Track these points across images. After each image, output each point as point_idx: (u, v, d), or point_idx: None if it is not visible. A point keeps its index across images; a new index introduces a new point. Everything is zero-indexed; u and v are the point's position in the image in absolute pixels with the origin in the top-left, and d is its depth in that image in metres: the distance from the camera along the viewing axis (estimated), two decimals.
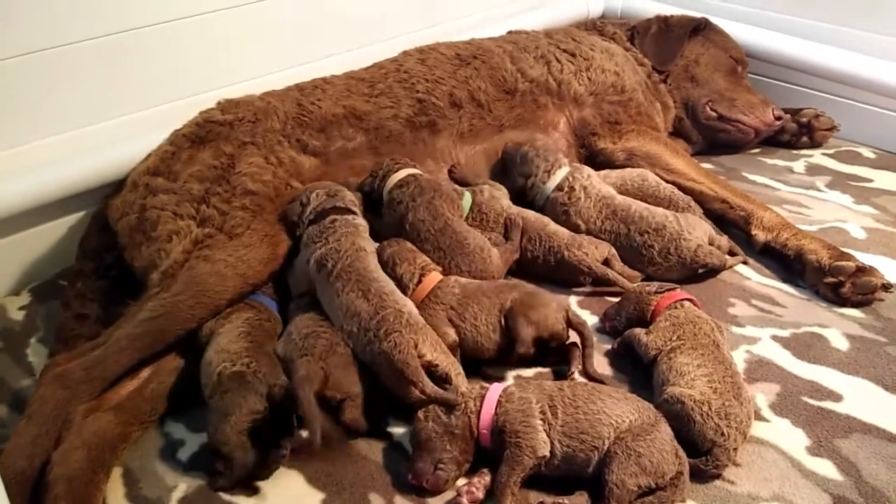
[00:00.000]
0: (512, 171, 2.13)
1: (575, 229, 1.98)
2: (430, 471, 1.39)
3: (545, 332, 1.61)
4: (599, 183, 2.07)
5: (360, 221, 1.79)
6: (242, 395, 1.44)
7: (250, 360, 1.51)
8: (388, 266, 1.71)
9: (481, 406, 1.43)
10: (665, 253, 1.90)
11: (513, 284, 1.73)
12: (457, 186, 2.03)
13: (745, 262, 2.01)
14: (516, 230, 1.92)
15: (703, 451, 1.40)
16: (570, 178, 2.05)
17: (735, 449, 1.41)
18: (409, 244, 1.80)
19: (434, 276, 1.71)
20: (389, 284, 1.63)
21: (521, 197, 2.10)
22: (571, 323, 1.65)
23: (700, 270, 1.92)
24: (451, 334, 1.62)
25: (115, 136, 2.11)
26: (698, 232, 1.92)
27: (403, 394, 1.49)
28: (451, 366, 1.52)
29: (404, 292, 1.66)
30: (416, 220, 1.84)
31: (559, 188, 2.04)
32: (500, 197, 2.03)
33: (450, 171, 2.14)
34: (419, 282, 1.70)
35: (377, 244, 1.78)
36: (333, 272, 1.63)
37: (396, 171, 1.94)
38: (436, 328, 1.59)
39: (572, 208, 2.01)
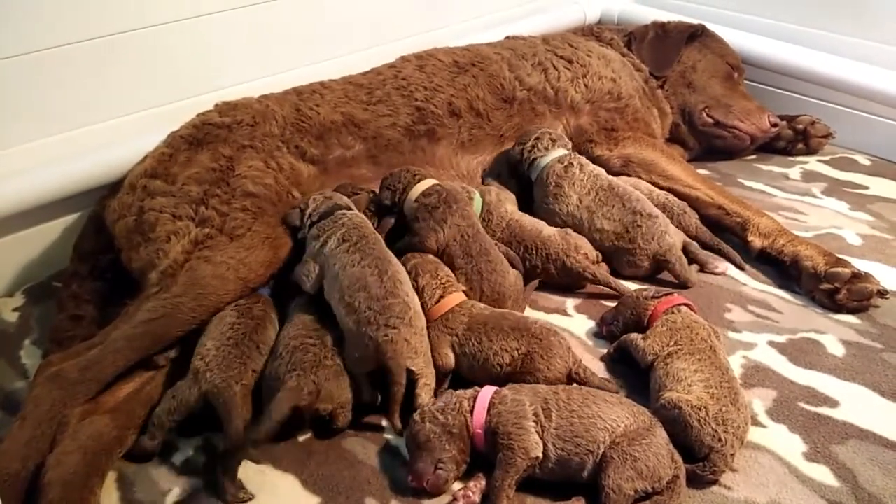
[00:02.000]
0: (514, 145, 2.16)
1: (565, 200, 2.01)
2: (430, 471, 1.38)
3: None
4: (594, 167, 2.10)
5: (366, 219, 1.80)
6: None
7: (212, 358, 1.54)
8: (410, 276, 1.69)
9: (474, 406, 1.43)
10: (649, 237, 1.92)
11: (523, 329, 1.60)
12: (467, 186, 2.02)
13: (741, 268, 2.02)
14: (517, 261, 1.92)
15: (700, 457, 1.40)
16: (570, 156, 2.08)
17: (732, 454, 1.41)
18: (431, 257, 1.79)
19: (455, 297, 1.69)
20: (405, 274, 1.64)
21: (514, 171, 2.17)
22: (576, 379, 1.58)
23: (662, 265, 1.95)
24: (450, 359, 1.61)
25: (111, 138, 2.10)
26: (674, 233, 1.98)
27: (362, 371, 1.51)
28: (428, 377, 1.53)
29: (423, 305, 1.66)
30: (453, 224, 1.83)
31: (559, 161, 2.06)
32: (504, 200, 2.04)
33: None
34: (439, 300, 1.69)
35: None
36: (357, 245, 1.64)
37: (419, 182, 1.93)
38: (436, 348, 1.60)
39: (566, 181, 2.03)
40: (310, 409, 1.49)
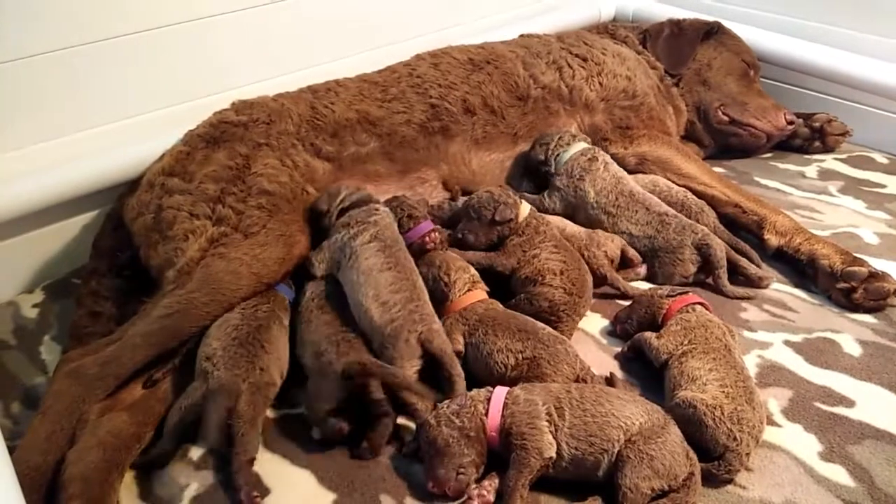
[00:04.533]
0: (532, 149, 2.18)
1: (583, 198, 2.03)
2: (452, 477, 1.37)
3: None
4: (619, 170, 2.11)
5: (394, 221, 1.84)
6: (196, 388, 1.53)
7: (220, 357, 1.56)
8: (440, 270, 1.74)
9: (489, 408, 1.43)
10: (680, 228, 1.92)
11: (530, 332, 1.60)
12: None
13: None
14: None
15: (715, 456, 1.40)
16: (594, 150, 2.12)
17: (747, 454, 1.41)
18: (455, 255, 1.81)
19: (479, 293, 1.72)
20: (423, 285, 1.69)
21: (536, 174, 2.18)
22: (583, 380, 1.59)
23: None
24: (460, 344, 1.63)
25: (129, 136, 2.12)
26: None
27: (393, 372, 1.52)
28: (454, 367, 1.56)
29: (445, 297, 1.71)
30: None
31: (582, 153, 2.09)
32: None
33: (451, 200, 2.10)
34: (466, 293, 1.71)
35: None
36: (391, 249, 1.70)
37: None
38: (449, 334, 1.62)
39: (588, 176, 2.05)
40: (362, 388, 1.48)
